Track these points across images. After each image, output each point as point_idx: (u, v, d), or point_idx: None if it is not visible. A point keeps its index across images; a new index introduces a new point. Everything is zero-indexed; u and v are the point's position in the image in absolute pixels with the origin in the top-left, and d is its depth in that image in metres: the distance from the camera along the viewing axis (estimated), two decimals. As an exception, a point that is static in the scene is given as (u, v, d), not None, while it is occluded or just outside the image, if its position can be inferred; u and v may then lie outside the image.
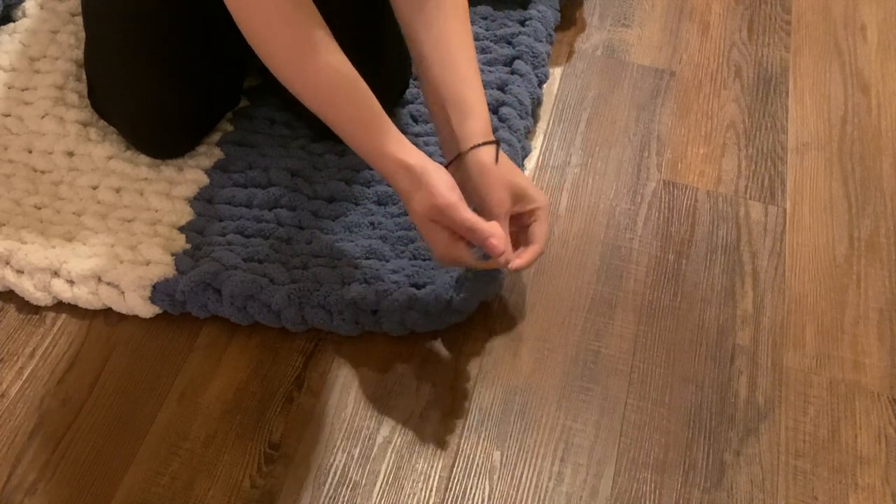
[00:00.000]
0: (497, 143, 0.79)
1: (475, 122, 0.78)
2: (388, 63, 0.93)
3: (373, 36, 0.90)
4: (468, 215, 0.73)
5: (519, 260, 0.77)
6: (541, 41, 1.06)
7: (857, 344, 0.84)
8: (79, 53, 1.02)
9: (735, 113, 1.05)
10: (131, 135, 0.93)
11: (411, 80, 1.02)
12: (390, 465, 0.75)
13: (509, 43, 1.06)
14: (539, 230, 0.79)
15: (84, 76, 0.99)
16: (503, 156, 0.79)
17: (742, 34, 1.14)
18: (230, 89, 0.97)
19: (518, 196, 0.78)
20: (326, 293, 0.81)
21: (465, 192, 0.78)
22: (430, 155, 0.94)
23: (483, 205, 0.77)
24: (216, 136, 0.96)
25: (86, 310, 0.84)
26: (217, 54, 0.92)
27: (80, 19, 1.06)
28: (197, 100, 0.92)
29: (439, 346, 0.82)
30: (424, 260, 0.85)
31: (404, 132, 0.96)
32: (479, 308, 0.85)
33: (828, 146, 1.02)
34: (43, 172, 0.92)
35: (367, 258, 0.85)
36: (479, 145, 0.78)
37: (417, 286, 0.83)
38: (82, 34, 1.03)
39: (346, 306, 0.81)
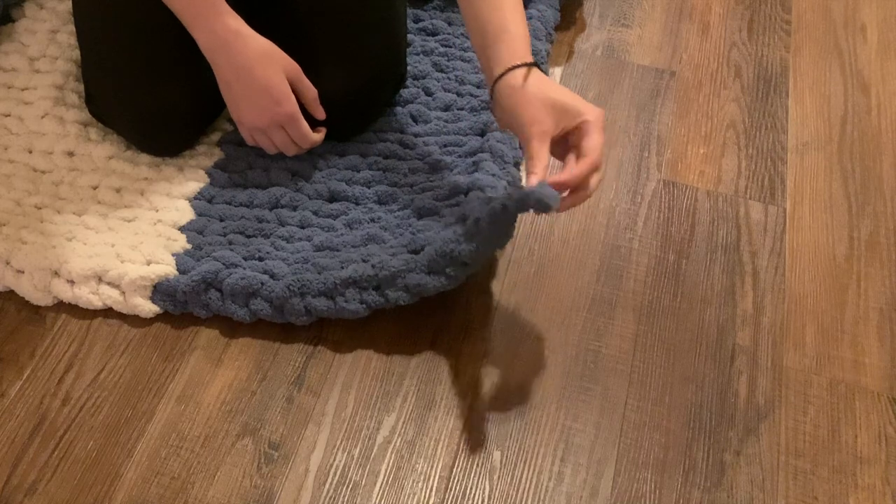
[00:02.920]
0: (533, 64, 0.75)
1: (508, 46, 0.75)
2: (376, 60, 0.93)
3: (358, 34, 0.90)
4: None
5: (564, 175, 0.70)
6: (540, 40, 1.06)
7: (857, 344, 0.84)
8: (78, 53, 1.02)
9: (735, 113, 1.05)
10: (130, 136, 0.93)
11: (411, 80, 1.02)
12: (390, 465, 0.75)
13: (509, 42, 1.06)
14: (589, 143, 0.72)
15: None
16: (539, 74, 0.75)
17: (742, 34, 1.14)
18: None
19: (560, 112, 0.73)
20: (325, 279, 0.80)
21: (504, 120, 0.75)
22: (430, 154, 0.95)
23: (519, 129, 0.73)
24: (216, 136, 0.96)
25: (86, 310, 0.84)
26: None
27: (79, 19, 1.06)
28: (193, 96, 0.91)
29: (439, 346, 0.82)
30: (423, 233, 0.84)
31: (403, 132, 0.97)
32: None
33: (828, 146, 1.02)
34: (43, 172, 0.92)
35: (366, 244, 0.85)
36: (510, 69, 0.74)
37: (415, 252, 0.82)
38: (82, 34, 1.04)
39: (347, 287, 0.80)
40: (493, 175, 0.89)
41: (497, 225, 0.77)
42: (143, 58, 0.88)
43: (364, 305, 0.81)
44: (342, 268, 0.82)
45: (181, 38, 0.86)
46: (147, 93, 0.89)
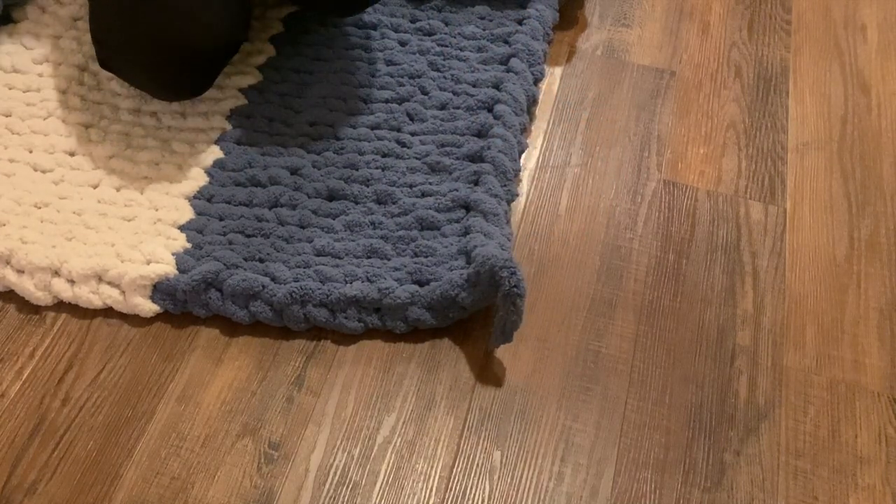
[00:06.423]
0: None
1: None
2: None
3: None
4: None
5: None
6: (538, 39, 1.06)
7: (857, 344, 0.84)
8: (81, 58, 1.02)
9: (735, 113, 1.05)
10: (144, 81, 0.90)
11: (407, 79, 1.02)
12: (390, 465, 0.75)
13: (506, 42, 1.07)
14: None
15: (86, 79, 1.00)
16: None
17: (742, 34, 1.14)
18: (237, 20, 0.94)
19: None
20: (328, 291, 0.81)
21: None
22: (428, 154, 0.95)
23: None
24: (214, 135, 0.96)
25: (86, 309, 0.84)
26: None
27: (81, 24, 1.06)
28: (209, 27, 0.88)
29: (439, 346, 0.82)
30: (426, 257, 0.85)
31: (400, 130, 0.97)
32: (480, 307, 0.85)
33: (828, 146, 1.02)
34: (44, 172, 0.92)
35: (369, 257, 0.86)
36: None
37: (420, 283, 0.83)
38: (84, 38, 1.04)
39: (349, 304, 0.81)
40: (496, 196, 0.89)
41: (492, 282, 0.80)
42: None
43: (362, 325, 0.82)
44: (346, 282, 0.82)
45: None
46: (159, 22, 0.86)
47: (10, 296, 0.85)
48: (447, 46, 1.06)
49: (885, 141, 1.02)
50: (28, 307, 0.84)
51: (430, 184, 0.92)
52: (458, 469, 0.75)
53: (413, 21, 1.10)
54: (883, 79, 1.09)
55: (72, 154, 0.94)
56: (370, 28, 1.09)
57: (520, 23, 1.08)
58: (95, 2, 0.90)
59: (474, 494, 0.74)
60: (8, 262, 0.84)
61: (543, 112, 1.04)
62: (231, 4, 0.90)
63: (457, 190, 0.91)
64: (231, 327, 0.83)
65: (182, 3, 0.86)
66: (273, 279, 0.82)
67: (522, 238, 0.91)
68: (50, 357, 0.81)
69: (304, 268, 0.84)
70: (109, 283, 0.83)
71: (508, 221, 0.90)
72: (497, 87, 1.01)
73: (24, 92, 0.99)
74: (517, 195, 0.94)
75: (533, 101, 1.03)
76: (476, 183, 0.91)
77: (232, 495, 0.72)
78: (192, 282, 0.81)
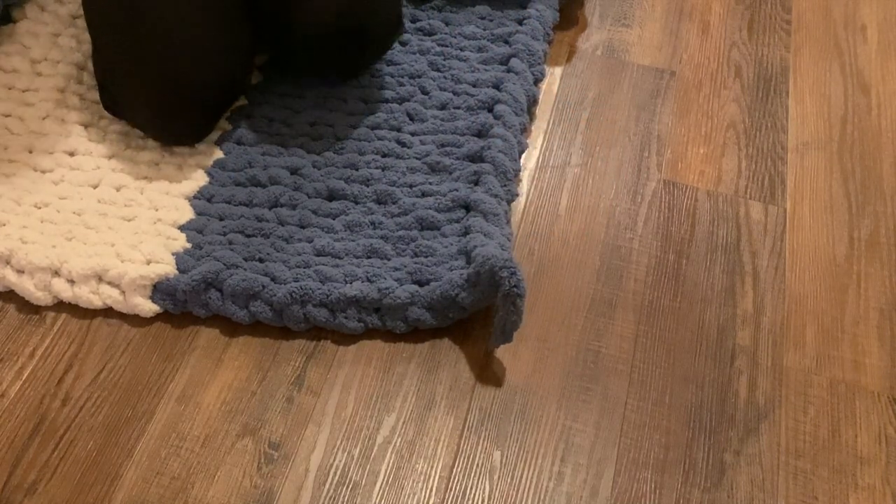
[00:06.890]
0: None
1: None
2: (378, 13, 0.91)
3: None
4: None
5: None
6: (538, 39, 1.06)
7: (857, 344, 0.84)
8: (80, 57, 1.02)
9: (735, 113, 1.05)
10: (146, 125, 0.91)
11: (407, 79, 1.02)
12: (390, 465, 0.75)
13: (506, 42, 1.07)
14: None
15: (85, 78, 1.00)
16: None
17: (742, 34, 1.15)
18: (241, 65, 0.95)
19: None
20: (328, 291, 0.81)
21: None
22: (428, 154, 0.95)
23: None
24: (215, 135, 0.96)
25: (86, 309, 0.84)
26: (224, 29, 0.90)
27: (80, 22, 1.06)
28: (214, 73, 0.89)
29: (439, 346, 0.82)
30: (426, 257, 0.85)
31: (400, 130, 0.97)
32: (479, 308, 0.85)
33: (828, 146, 1.02)
34: (43, 172, 0.92)
35: (369, 257, 0.86)
36: None
37: (420, 283, 0.83)
38: (83, 37, 1.04)
39: (349, 304, 0.81)
40: (496, 196, 0.89)
41: (492, 282, 0.80)
42: (161, 31, 0.86)
43: (362, 325, 0.82)
44: (346, 282, 0.82)
45: (191, 19, 0.84)
46: (164, 70, 0.87)
47: (10, 296, 0.85)
48: (447, 46, 1.07)
49: (885, 141, 1.02)
50: (28, 307, 0.84)
51: (430, 184, 0.92)
52: (458, 469, 0.75)
53: (413, 21, 1.10)
54: (883, 79, 1.09)
55: (72, 154, 0.94)
56: (370, 28, 1.09)
57: (520, 23, 1.09)
58: (99, 44, 0.91)
59: (474, 494, 0.74)
60: (8, 262, 0.84)
61: (543, 112, 1.04)
62: (235, 48, 0.91)
63: (457, 190, 0.91)
64: (231, 327, 0.83)
65: (186, 45, 0.87)
66: (273, 279, 0.82)
67: (522, 238, 0.91)
68: (50, 357, 0.81)
69: (304, 268, 0.84)
70: (109, 283, 0.83)
71: (508, 221, 0.90)
72: (497, 87, 1.01)
73: (23, 92, 0.99)
74: (517, 195, 0.94)
75: (533, 101, 1.03)
76: (476, 183, 0.91)
77: (232, 495, 0.72)
78: (192, 282, 0.81)
